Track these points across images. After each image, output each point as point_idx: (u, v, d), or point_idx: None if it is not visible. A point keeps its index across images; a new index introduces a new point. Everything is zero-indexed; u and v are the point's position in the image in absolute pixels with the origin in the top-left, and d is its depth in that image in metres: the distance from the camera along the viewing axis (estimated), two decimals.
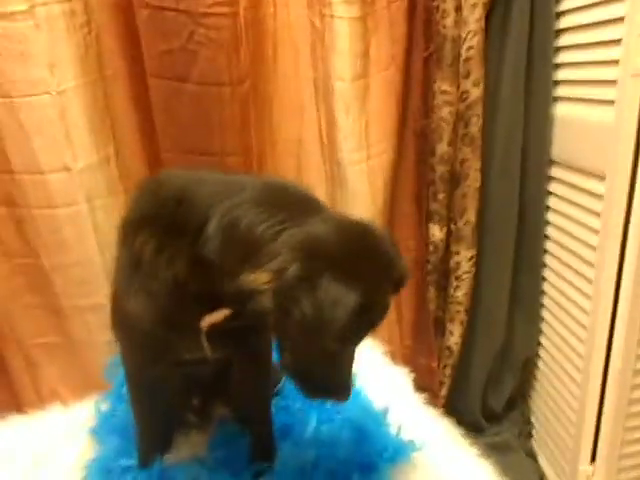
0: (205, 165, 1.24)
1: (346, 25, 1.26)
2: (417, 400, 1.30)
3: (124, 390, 1.20)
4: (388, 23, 1.32)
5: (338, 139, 1.35)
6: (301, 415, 1.13)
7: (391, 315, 1.61)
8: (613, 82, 1.12)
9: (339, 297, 0.63)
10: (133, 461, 1.02)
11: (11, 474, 1.11)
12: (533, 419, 1.67)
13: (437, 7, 1.30)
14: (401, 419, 1.15)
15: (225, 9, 1.15)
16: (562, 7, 1.29)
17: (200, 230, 0.70)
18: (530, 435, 1.68)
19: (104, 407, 1.23)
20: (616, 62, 1.11)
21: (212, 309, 0.78)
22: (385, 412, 1.15)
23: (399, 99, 1.38)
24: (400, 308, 1.59)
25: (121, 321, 0.87)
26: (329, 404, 0.81)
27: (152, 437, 1.00)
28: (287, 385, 1.20)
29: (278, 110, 1.35)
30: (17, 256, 1.20)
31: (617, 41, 1.11)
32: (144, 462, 0.98)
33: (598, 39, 1.19)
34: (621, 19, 1.09)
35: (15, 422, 1.28)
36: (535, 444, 1.65)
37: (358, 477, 0.97)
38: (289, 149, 1.38)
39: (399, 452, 1.05)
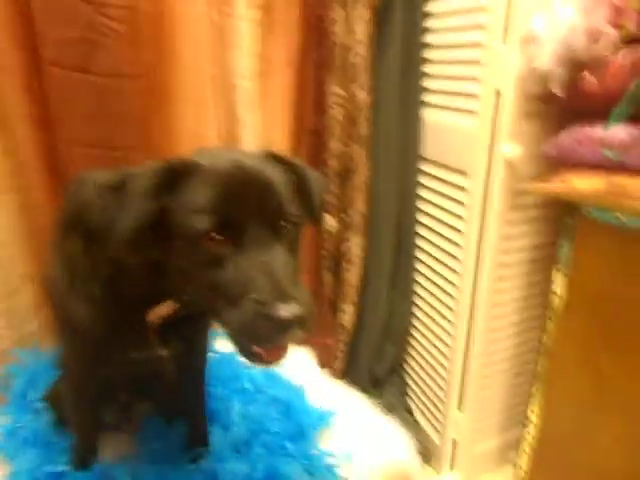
0: (111, 160, 1.20)
1: (246, 26, 1.32)
2: (323, 374, 1.44)
3: (28, 399, 1.14)
4: (285, 27, 1.40)
5: (240, 134, 1.40)
6: (226, 399, 1.20)
7: None
8: (474, 95, 1.36)
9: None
10: (61, 467, 0.98)
11: None
12: (409, 381, 1.93)
13: (327, 15, 1.42)
14: (316, 392, 1.28)
15: (124, 2, 1.13)
16: (429, 25, 1.51)
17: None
18: (406, 394, 1.93)
19: (4, 422, 1.15)
20: (474, 79, 1.35)
21: (155, 303, 0.81)
22: (302, 387, 1.27)
23: (295, 100, 1.48)
24: None
25: (64, 325, 0.85)
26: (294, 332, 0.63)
27: (89, 438, 0.98)
28: (209, 374, 1.25)
29: (177, 102, 1.34)
30: None
31: (476, 61, 1.34)
32: (82, 463, 0.96)
33: (459, 58, 1.42)
34: (479, 44, 1.32)
35: None
36: (411, 401, 1.91)
37: (291, 445, 1.07)
38: (188, 143, 1.39)
39: (321, 420, 1.18)
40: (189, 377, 1.03)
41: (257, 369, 1.33)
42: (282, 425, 1.11)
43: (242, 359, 0.69)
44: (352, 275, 1.63)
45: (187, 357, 0.96)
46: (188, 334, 0.90)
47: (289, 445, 1.06)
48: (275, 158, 0.77)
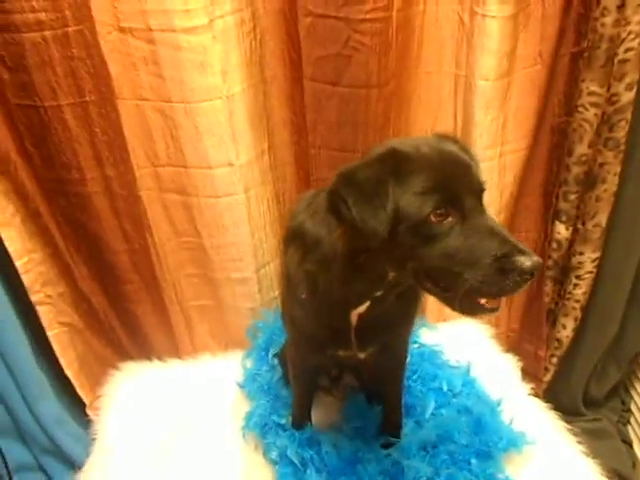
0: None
1: (497, 24, 1.23)
2: (525, 390, 1.40)
3: (270, 354, 1.40)
4: (540, 19, 1.27)
5: (473, 136, 1.37)
6: (422, 397, 1.28)
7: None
8: None
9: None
10: (283, 420, 1.22)
11: (171, 412, 1.37)
12: (634, 408, 1.72)
13: (597, 2, 1.24)
14: (512, 410, 1.26)
15: (381, 14, 1.18)
16: None
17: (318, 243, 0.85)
18: (628, 422, 1.73)
19: (249, 364, 1.45)
20: None
21: (354, 305, 0.90)
22: (499, 402, 1.27)
23: (541, 96, 1.35)
24: None
25: (288, 323, 1.05)
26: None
27: (305, 406, 1.20)
28: (410, 367, 1.35)
29: (416, 104, 1.38)
30: (183, 235, 1.40)
31: None
32: (298, 424, 1.19)
33: None
34: None
35: (174, 365, 1.55)
36: (632, 431, 1.71)
37: (476, 462, 1.11)
38: None
39: (512, 443, 1.17)
40: (386, 374, 1.14)
41: (457, 371, 1.38)
42: (470, 439, 1.15)
43: (464, 315, 0.81)
44: (580, 291, 1.49)
45: (384, 358, 1.06)
46: (385, 340, 1.00)
47: (474, 461, 1.10)
48: (449, 139, 0.83)
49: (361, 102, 1.27)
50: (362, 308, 0.91)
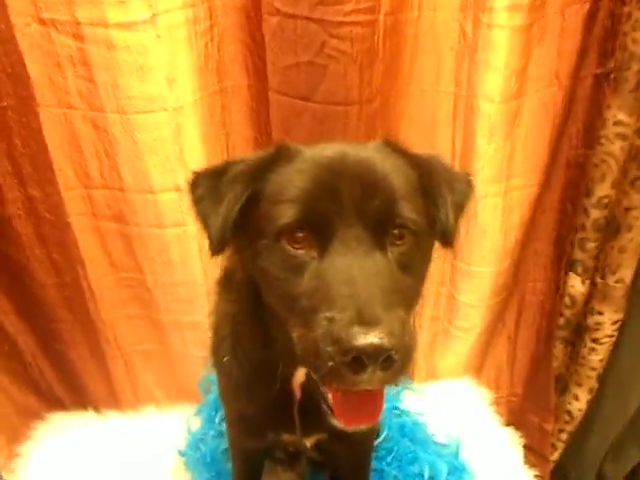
0: None
1: (506, 36, 1.03)
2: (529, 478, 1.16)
3: (217, 417, 1.18)
4: (558, 32, 1.07)
5: (474, 167, 1.15)
6: None
7: (501, 354, 1.45)
8: None
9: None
10: None
11: (99, 473, 1.15)
12: None
13: (628, 15, 1.02)
14: None
15: (363, 17, 0.98)
16: None
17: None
18: None
19: (195, 426, 1.23)
20: None
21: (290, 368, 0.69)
22: None
23: (557, 124, 1.14)
24: (514, 349, 1.42)
25: (222, 399, 0.83)
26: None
27: None
28: (384, 445, 1.11)
29: (406, 127, 1.18)
30: (122, 270, 1.18)
31: None
32: None
33: None
34: None
35: (111, 418, 1.32)
36: None
37: None
38: None
39: None
40: (348, 460, 0.91)
41: (444, 451, 1.14)
42: None
43: None
44: (596, 357, 1.25)
45: (339, 448, 0.84)
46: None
47: None
48: (395, 148, 0.62)
49: (338, 121, 1.06)
50: (301, 374, 0.69)
